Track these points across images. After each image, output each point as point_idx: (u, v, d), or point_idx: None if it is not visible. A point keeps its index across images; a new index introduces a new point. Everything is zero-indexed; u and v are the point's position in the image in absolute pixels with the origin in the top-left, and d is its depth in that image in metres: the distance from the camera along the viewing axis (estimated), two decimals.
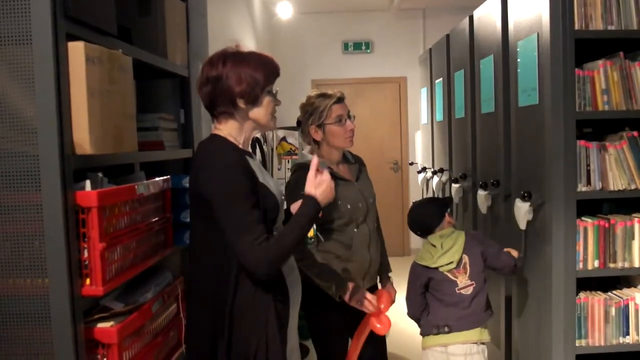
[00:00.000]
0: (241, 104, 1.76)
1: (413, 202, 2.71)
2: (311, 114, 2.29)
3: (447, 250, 2.42)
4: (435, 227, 2.53)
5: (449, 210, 2.60)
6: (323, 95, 2.30)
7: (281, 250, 1.67)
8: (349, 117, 2.32)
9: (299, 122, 2.37)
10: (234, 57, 1.76)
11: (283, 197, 1.90)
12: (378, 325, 2.24)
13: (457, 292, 2.40)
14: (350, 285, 2.20)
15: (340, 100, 2.30)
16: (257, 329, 1.72)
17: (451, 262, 2.41)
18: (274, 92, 1.82)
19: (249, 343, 1.71)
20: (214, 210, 1.67)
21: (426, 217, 2.56)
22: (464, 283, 2.41)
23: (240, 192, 1.66)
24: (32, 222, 1.51)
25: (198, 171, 1.74)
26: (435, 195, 4.66)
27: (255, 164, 1.80)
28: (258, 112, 1.79)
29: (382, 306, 2.26)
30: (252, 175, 1.73)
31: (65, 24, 1.52)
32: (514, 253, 2.52)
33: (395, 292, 2.53)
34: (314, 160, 1.80)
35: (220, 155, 1.73)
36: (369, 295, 2.20)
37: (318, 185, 1.77)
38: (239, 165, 1.70)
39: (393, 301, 2.47)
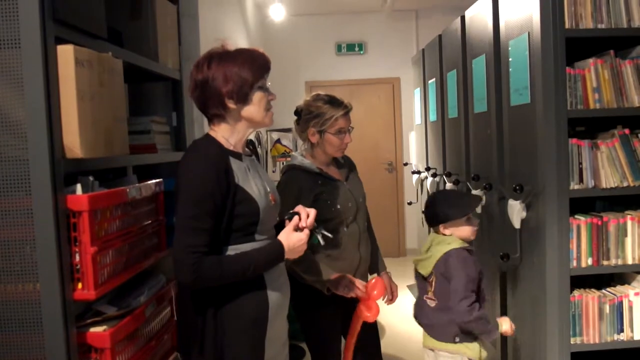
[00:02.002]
0: (231, 104, 1.72)
1: (448, 190, 2.57)
2: (315, 116, 2.27)
3: (425, 260, 2.37)
4: (435, 222, 2.37)
5: (464, 217, 2.33)
6: (332, 102, 2.28)
7: (217, 271, 1.61)
8: (348, 130, 2.31)
9: (297, 112, 2.34)
10: (219, 57, 1.72)
11: (273, 202, 1.85)
12: (367, 314, 2.20)
13: (424, 297, 2.39)
14: (336, 275, 2.18)
15: (347, 113, 2.30)
16: (230, 335, 1.68)
17: (425, 271, 2.37)
18: (266, 86, 1.77)
19: (221, 350, 1.68)
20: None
21: (438, 205, 2.36)
22: (430, 295, 2.37)
23: (199, 195, 1.62)
24: (22, 226, 1.50)
25: (177, 169, 1.73)
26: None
27: (241, 166, 1.75)
28: (250, 110, 1.74)
29: (375, 292, 2.21)
30: (227, 180, 1.67)
31: (54, 27, 1.52)
32: (505, 327, 2.33)
33: (396, 286, 2.51)
34: (295, 219, 1.79)
35: (197, 155, 1.71)
36: (356, 281, 2.18)
37: (293, 239, 1.75)
38: (210, 168, 1.65)
39: (394, 296, 2.48)
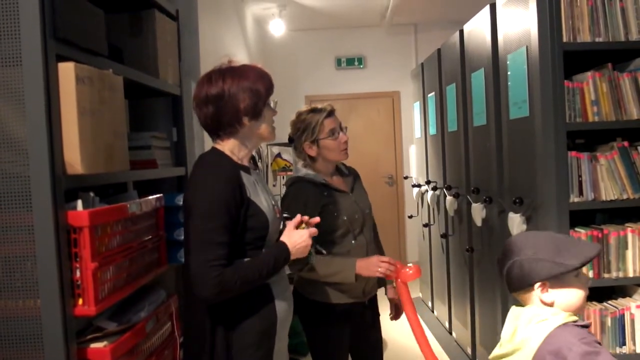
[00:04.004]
0: (246, 121, 1.74)
1: (524, 233, 1.61)
2: (304, 130, 2.28)
3: (507, 356, 1.49)
4: (524, 283, 1.49)
5: (575, 270, 1.44)
6: (313, 111, 2.29)
7: (237, 281, 1.61)
8: (341, 129, 2.32)
9: (290, 139, 2.36)
10: (232, 72, 1.74)
11: (278, 215, 1.86)
12: (409, 271, 2.19)
13: None
14: (359, 261, 2.18)
15: (331, 113, 2.30)
16: (240, 349, 1.68)
17: None
18: (271, 103, 1.81)
19: None
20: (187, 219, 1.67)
21: (529, 251, 1.48)
22: None
23: (214, 209, 1.62)
24: (23, 242, 1.51)
25: (188, 183, 1.75)
26: (431, 209, 4.66)
27: (250, 180, 1.76)
28: (262, 127, 1.78)
29: (410, 271, 2.22)
30: (241, 194, 1.68)
31: (55, 45, 1.53)
32: None
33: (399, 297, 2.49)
34: (297, 217, 1.83)
35: (209, 169, 1.71)
36: (382, 258, 2.19)
37: (294, 237, 1.76)
38: (226, 182, 1.66)
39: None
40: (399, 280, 2.23)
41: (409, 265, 2.25)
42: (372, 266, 2.17)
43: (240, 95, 1.71)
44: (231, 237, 1.64)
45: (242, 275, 1.62)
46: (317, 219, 1.86)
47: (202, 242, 1.61)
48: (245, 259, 1.70)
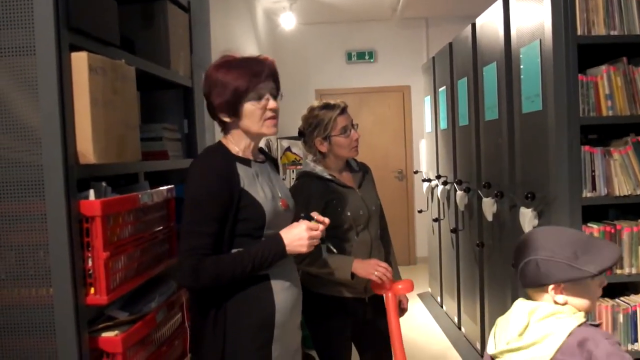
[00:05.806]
0: (225, 117, 1.75)
1: (545, 229, 1.63)
2: (316, 126, 2.28)
3: (518, 350, 1.43)
4: (541, 281, 1.45)
5: (599, 274, 1.42)
6: (326, 107, 2.29)
7: (214, 270, 1.62)
8: (353, 126, 2.32)
9: (301, 133, 2.36)
10: (218, 67, 1.74)
11: (284, 207, 1.84)
12: (400, 286, 2.19)
13: None
14: (357, 260, 2.17)
15: (344, 111, 2.30)
16: (234, 341, 1.68)
17: None
18: (263, 94, 1.73)
19: (224, 355, 1.69)
20: None
21: (548, 250, 1.44)
22: None
23: (202, 200, 1.64)
24: (36, 231, 1.52)
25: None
26: (441, 204, 4.65)
27: (249, 171, 1.75)
28: (244, 123, 1.75)
29: (400, 286, 2.22)
30: (231, 185, 1.68)
31: (68, 34, 1.54)
32: None
33: (407, 299, 2.47)
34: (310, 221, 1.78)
35: (199, 161, 1.75)
36: (381, 263, 2.17)
37: (292, 232, 1.72)
38: (211, 173, 1.67)
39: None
40: (390, 292, 2.22)
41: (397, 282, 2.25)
42: (369, 267, 2.16)
43: (215, 91, 1.72)
44: (217, 227, 1.65)
45: (222, 265, 1.64)
46: (326, 222, 1.82)
47: (186, 232, 1.65)
48: (234, 250, 1.70)
